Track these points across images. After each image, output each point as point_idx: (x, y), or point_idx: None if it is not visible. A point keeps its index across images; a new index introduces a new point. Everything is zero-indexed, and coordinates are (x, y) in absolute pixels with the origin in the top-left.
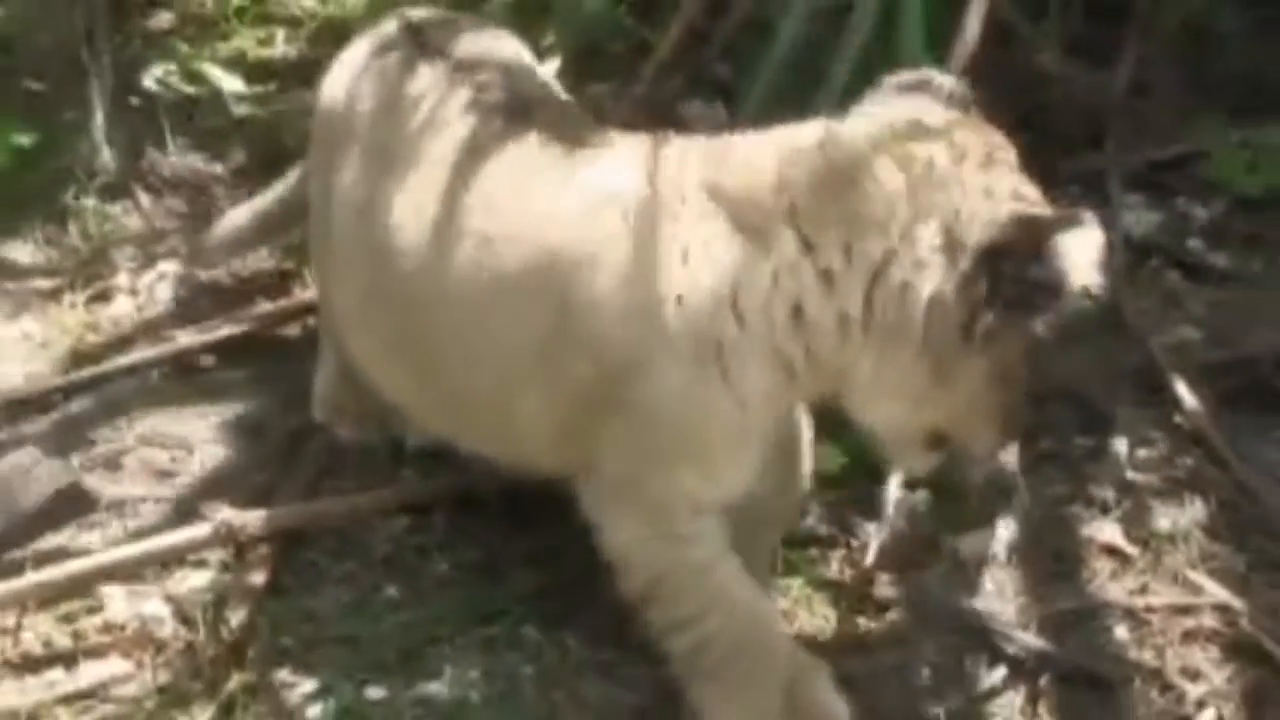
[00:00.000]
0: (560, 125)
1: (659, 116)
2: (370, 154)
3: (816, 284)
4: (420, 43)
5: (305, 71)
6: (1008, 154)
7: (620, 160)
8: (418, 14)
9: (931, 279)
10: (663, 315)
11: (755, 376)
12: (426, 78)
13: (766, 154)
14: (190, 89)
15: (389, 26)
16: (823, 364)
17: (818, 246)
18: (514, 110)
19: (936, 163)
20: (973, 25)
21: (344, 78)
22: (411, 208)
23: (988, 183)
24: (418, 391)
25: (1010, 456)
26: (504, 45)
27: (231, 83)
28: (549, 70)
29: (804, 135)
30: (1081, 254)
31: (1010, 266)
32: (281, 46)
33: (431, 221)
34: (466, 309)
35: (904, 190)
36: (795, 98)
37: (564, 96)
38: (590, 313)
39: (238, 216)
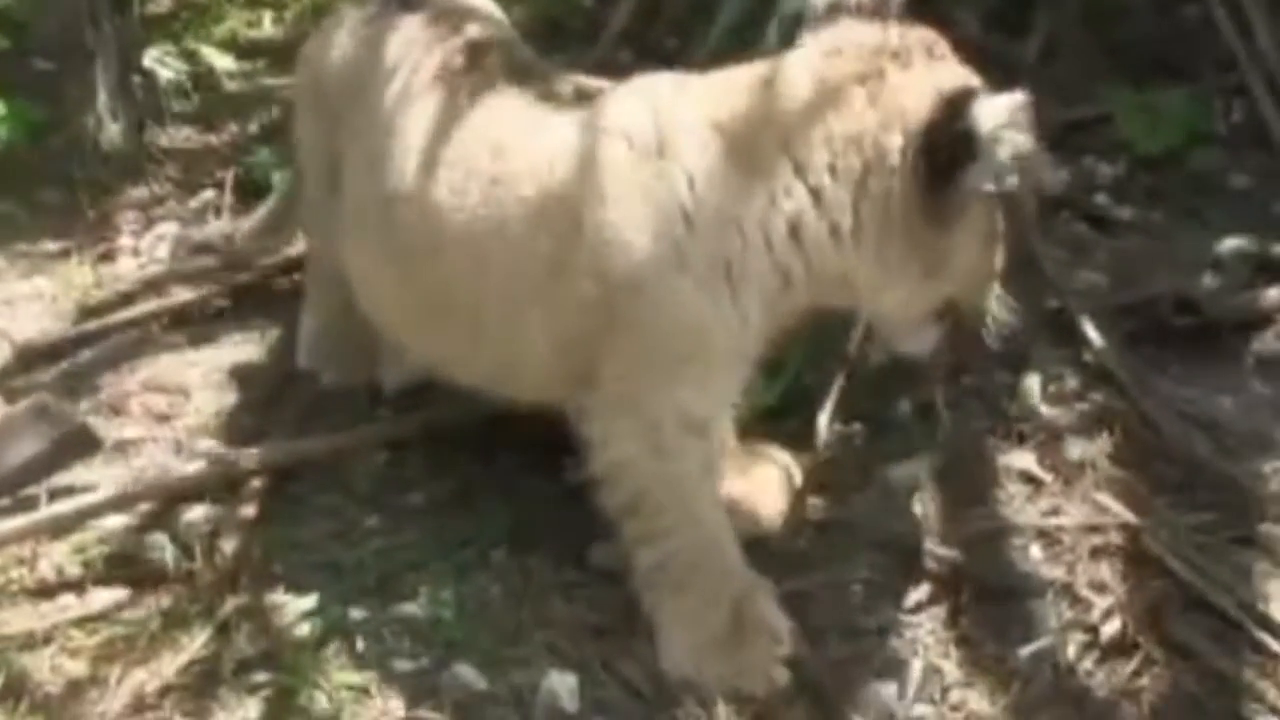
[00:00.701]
0: (554, 74)
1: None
2: (375, 112)
3: (809, 202)
4: (408, 6)
5: (291, 50)
6: (943, 46)
7: (621, 98)
8: None
9: (903, 180)
10: (674, 236)
11: (758, 292)
12: (422, 37)
13: (755, 87)
14: (186, 68)
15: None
16: (822, 273)
17: (807, 168)
18: (513, 63)
19: (888, 74)
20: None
21: (338, 44)
22: (421, 156)
23: (934, 80)
24: (429, 329)
25: (936, 393)
26: (485, 5)
27: (224, 62)
28: None
29: (781, 69)
30: (994, 109)
31: (937, 135)
32: (269, 28)
33: (445, 170)
34: (479, 243)
35: (868, 105)
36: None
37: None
38: (598, 236)
39: (265, 209)
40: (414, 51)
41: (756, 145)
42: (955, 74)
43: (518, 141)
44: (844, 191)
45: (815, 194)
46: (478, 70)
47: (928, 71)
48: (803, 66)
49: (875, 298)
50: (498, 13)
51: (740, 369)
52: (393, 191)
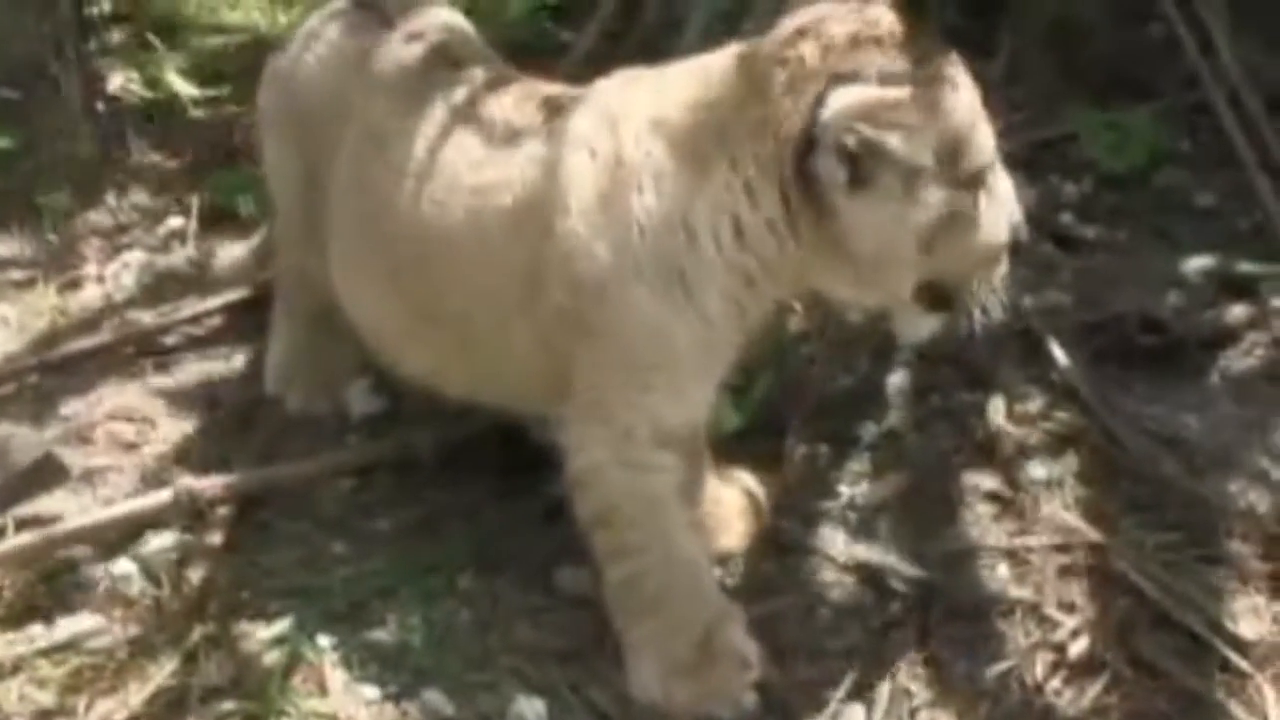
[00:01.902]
0: (528, 86)
1: None
2: (361, 128)
3: (744, 196)
4: (389, 23)
5: (254, 76)
6: (882, 29)
7: (584, 107)
8: None
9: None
10: (628, 244)
11: (716, 294)
12: (404, 52)
13: (696, 81)
14: (150, 94)
15: (340, 10)
16: (776, 268)
17: (739, 161)
18: (493, 76)
19: (807, 59)
20: None
21: (315, 59)
22: (408, 173)
23: (852, 67)
24: (419, 341)
25: (902, 414)
26: (458, 20)
27: (187, 88)
28: None
29: (722, 59)
30: (841, 97)
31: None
32: (232, 54)
33: (428, 183)
34: (463, 254)
35: (785, 91)
36: None
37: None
38: (566, 245)
39: (251, 243)
40: (397, 67)
41: (698, 142)
42: (872, 61)
43: (495, 153)
44: (769, 182)
45: (747, 187)
46: (460, 84)
47: (843, 56)
48: (737, 54)
49: (840, 291)
50: (470, 28)
51: (712, 373)
52: (381, 206)
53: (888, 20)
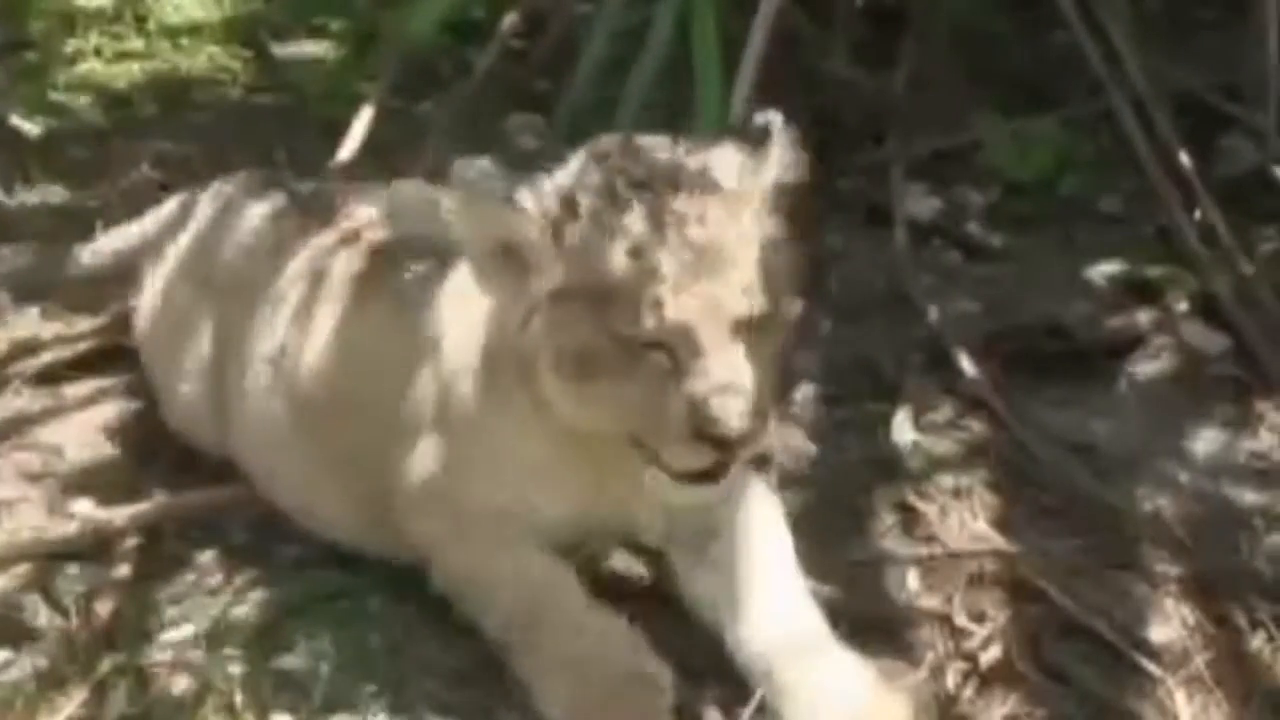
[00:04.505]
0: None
1: (483, 128)
2: (275, 300)
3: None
4: (310, 210)
5: (158, 102)
6: (643, 149)
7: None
8: (305, 186)
9: None
10: (485, 367)
11: (547, 410)
12: (321, 241)
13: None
14: (54, 123)
15: (278, 199)
16: None
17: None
18: (401, 253)
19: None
20: (759, 36)
21: (239, 241)
22: (310, 332)
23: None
24: (334, 500)
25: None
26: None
27: (92, 115)
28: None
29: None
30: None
31: None
32: (139, 79)
33: (328, 340)
34: (373, 407)
35: None
36: (605, 108)
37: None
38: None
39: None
40: (317, 255)
41: None
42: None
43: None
44: None
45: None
46: (372, 272)
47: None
48: None
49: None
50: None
51: (560, 477)
52: (297, 381)
53: (660, 156)
